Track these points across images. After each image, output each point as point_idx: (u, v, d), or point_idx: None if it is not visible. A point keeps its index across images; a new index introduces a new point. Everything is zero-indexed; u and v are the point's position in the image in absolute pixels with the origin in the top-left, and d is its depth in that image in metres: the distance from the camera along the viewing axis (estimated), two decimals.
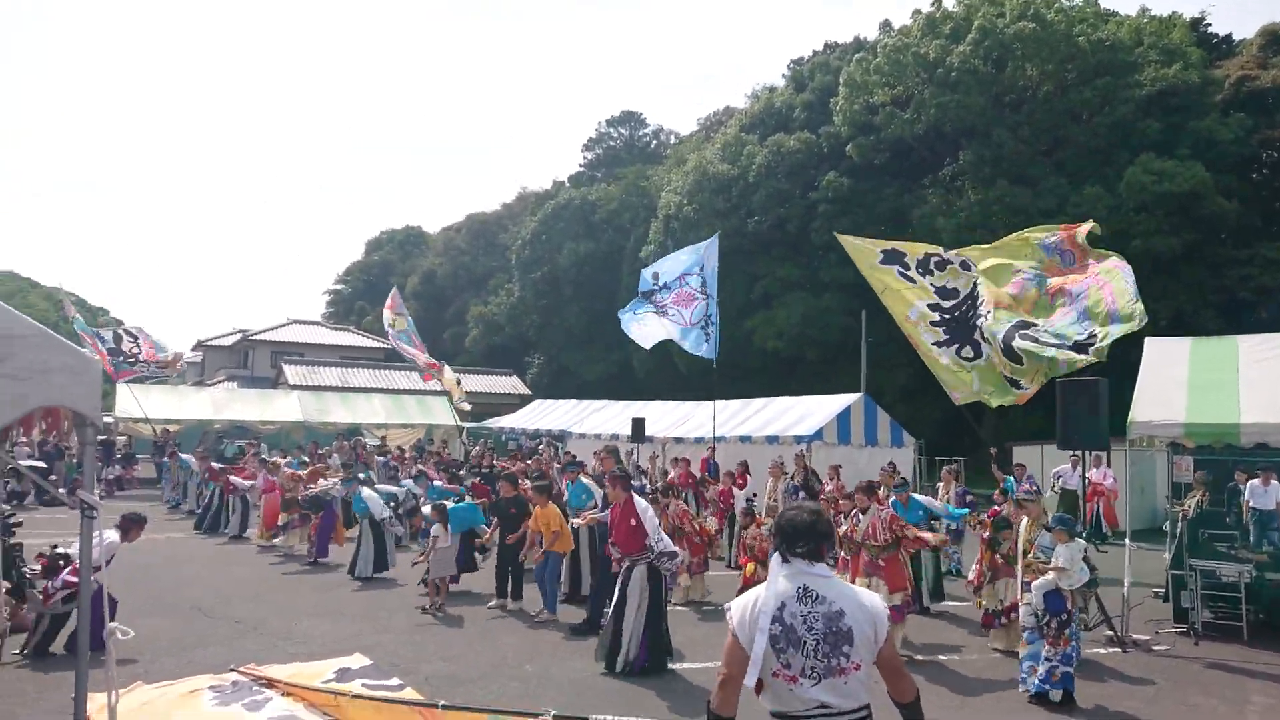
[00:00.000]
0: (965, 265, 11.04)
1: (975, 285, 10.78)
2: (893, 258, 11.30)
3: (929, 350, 10.78)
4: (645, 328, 16.46)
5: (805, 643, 2.97)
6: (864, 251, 11.52)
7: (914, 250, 11.38)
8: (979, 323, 10.44)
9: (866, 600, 3.10)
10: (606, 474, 8.73)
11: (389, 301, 23.64)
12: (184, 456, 20.03)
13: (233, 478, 16.09)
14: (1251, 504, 13.15)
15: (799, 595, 3.03)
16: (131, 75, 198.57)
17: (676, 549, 7.89)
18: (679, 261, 16.43)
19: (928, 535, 9.08)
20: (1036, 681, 6.90)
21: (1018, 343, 9.73)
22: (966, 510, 11.15)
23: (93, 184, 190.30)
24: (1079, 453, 15.61)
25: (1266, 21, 32.82)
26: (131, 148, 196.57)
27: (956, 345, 10.73)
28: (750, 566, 10.31)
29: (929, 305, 10.92)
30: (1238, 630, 9.22)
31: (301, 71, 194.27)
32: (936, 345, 10.75)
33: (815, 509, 3.29)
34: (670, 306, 15.94)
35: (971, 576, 9.13)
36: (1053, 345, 9.53)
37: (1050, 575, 7.16)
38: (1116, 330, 9.50)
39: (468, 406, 24.91)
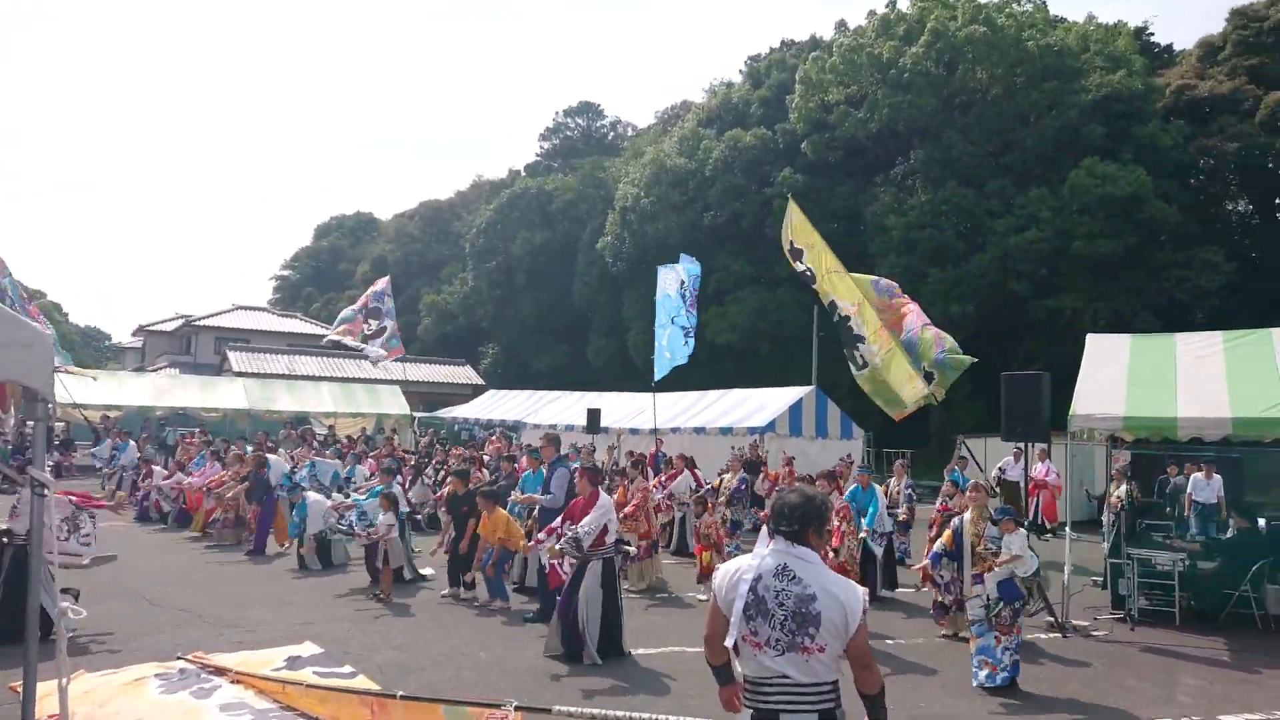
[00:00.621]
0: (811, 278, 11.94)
1: (832, 302, 11.71)
2: (795, 254, 12.04)
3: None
4: (672, 351, 15.94)
5: (774, 615, 3.10)
6: (800, 229, 12.18)
7: (815, 259, 12.00)
8: (859, 334, 11.26)
9: (842, 591, 3.16)
10: (578, 466, 8.76)
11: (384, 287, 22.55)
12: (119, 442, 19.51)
13: (186, 480, 15.53)
14: (1194, 497, 13.67)
15: (776, 571, 3.16)
16: (76, 53, 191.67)
17: (628, 541, 7.91)
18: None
19: (848, 532, 9.34)
20: (1004, 675, 7.04)
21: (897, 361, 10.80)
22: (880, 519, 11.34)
23: (33, 162, 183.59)
24: (1022, 445, 16.06)
25: (1204, 34, 33.90)
26: (74, 127, 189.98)
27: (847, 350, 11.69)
28: (706, 555, 10.42)
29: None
30: (1171, 616, 9.58)
31: (254, 54, 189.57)
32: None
33: (809, 494, 3.38)
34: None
35: (917, 567, 9.33)
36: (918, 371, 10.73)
37: (1006, 565, 7.30)
38: (950, 373, 10.85)
39: None
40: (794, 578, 3.15)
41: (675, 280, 15.57)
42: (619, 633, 7.79)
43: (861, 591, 3.23)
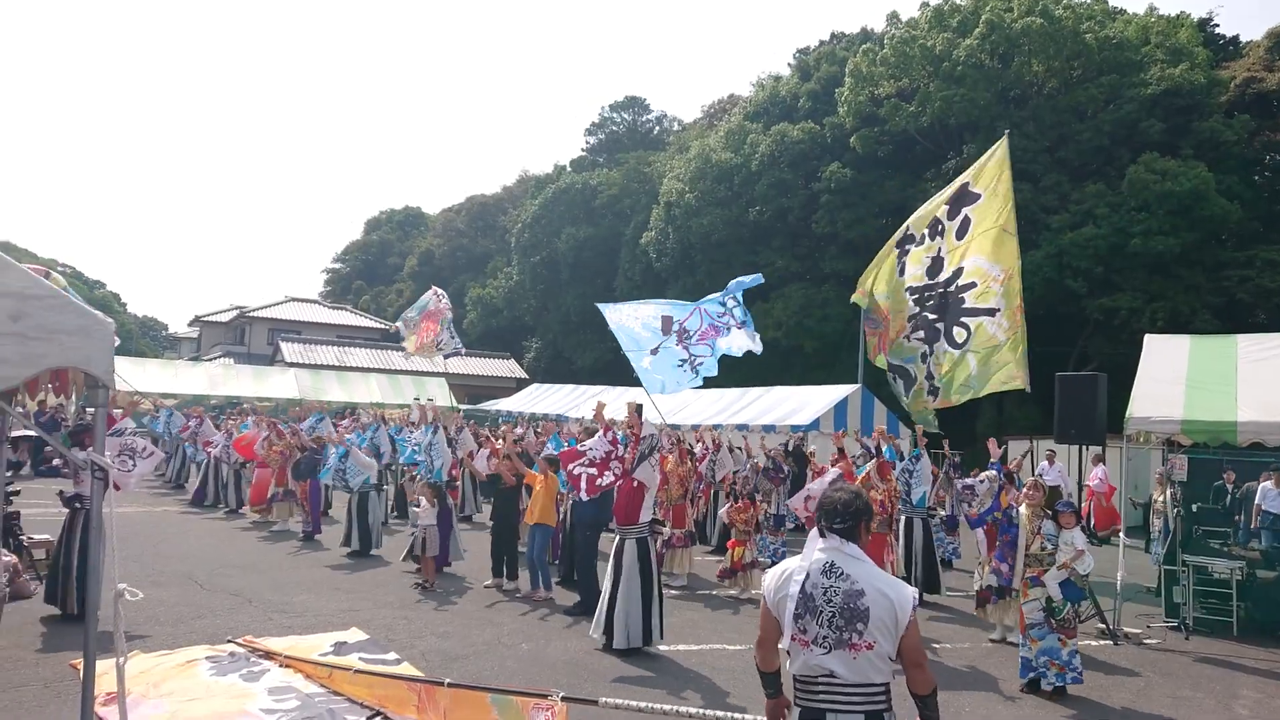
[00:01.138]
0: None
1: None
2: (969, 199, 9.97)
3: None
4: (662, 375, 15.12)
5: (822, 613, 3.11)
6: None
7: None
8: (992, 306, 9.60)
9: (892, 589, 3.16)
10: (633, 430, 8.61)
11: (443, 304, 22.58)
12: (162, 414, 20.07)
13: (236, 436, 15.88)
14: (1264, 507, 13.11)
15: (825, 569, 3.17)
16: (135, 51, 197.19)
17: (663, 521, 7.93)
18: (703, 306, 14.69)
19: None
20: (1072, 676, 6.93)
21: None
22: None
23: (95, 158, 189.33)
24: (1054, 449, 15.70)
25: (1274, 24, 32.76)
26: (133, 123, 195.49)
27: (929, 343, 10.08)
28: (739, 550, 10.39)
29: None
30: (1228, 626, 9.30)
31: (305, 50, 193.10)
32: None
33: (855, 490, 3.37)
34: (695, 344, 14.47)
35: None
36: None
37: (1064, 564, 7.11)
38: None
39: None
40: (842, 574, 3.15)
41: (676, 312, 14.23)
42: (658, 619, 7.77)
43: (911, 591, 3.21)
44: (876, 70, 33.19)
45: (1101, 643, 8.76)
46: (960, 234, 9.73)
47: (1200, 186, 26.46)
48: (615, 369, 41.02)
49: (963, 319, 9.51)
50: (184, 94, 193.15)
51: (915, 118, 31.94)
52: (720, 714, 4.50)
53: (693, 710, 4.55)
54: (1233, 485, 13.23)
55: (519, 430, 18.15)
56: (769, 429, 18.84)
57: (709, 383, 18.94)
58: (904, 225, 10.51)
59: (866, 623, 3.07)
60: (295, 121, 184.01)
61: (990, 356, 9.21)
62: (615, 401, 24.63)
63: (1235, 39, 35.48)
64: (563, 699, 4.46)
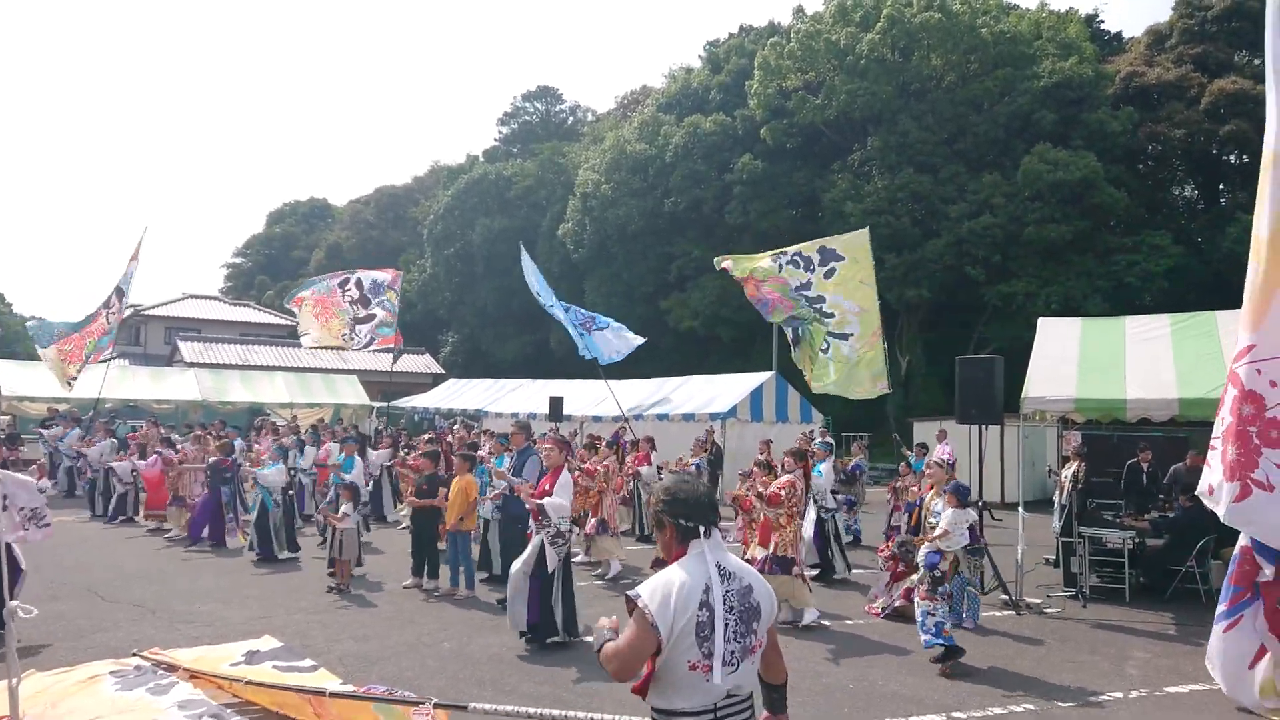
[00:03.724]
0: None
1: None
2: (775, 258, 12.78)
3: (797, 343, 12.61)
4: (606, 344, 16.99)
5: (727, 625, 2.64)
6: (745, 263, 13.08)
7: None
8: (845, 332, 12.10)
9: (757, 575, 2.87)
10: (546, 442, 8.76)
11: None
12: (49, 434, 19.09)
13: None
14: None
15: (720, 573, 2.70)
16: (21, 33, 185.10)
17: (568, 529, 7.84)
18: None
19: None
20: (925, 638, 7.22)
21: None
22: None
23: None
24: (945, 428, 16.33)
25: (1152, 22, 34.67)
26: (13, 108, 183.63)
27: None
28: None
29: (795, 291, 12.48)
30: (1121, 593, 9.87)
31: (204, 36, 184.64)
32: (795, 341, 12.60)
33: (690, 477, 3.10)
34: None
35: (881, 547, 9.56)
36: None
37: (932, 539, 7.63)
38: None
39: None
40: (731, 574, 2.73)
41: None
42: (562, 613, 7.78)
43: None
44: (784, 64, 33.78)
45: (1005, 613, 9.18)
46: (827, 276, 12.33)
47: (1090, 175, 27.85)
48: (535, 362, 40.78)
49: (827, 336, 12.17)
50: (65, 78, 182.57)
51: (821, 110, 32.64)
52: (588, 716, 4.66)
53: (558, 713, 4.67)
54: (1148, 465, 13.54)
55: (462, 433, 17.79)
56: (689, 417, 19.05)
57: (628, 374, 19.16)
58: (781, 249, 12.93)
59: (760, 619, 2.75)
60: (193, 109, 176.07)
61: (851, 371, 11.93)
62: (537, 395, 24.55)
63: (1119, 35, 37.43)
64: (435, 705, 4.58)
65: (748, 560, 8.49)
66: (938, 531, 7.62)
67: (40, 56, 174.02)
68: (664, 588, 2.67)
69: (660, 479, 13.11)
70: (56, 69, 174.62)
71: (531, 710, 4.77)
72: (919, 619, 7.31)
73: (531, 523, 7.93)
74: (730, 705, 2.70)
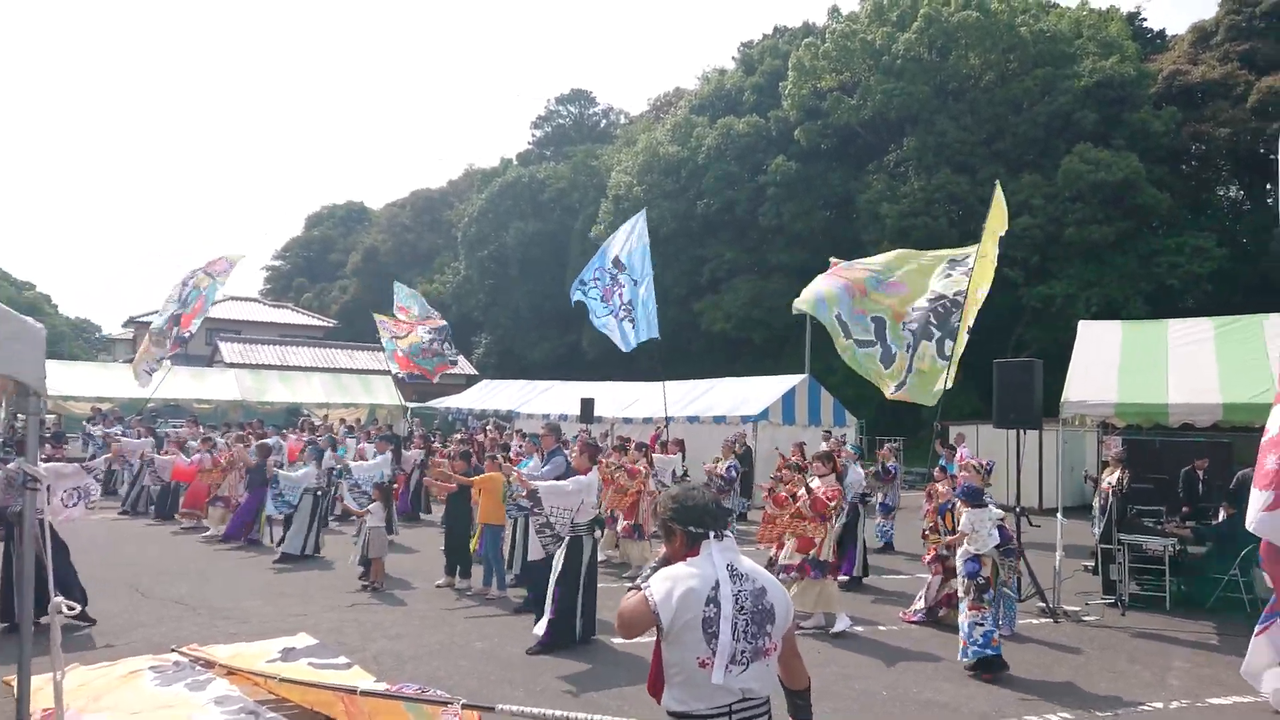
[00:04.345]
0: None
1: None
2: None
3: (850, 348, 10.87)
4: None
5: (736, 624, 2.70)
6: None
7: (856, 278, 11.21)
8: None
9: (772, 580, 2.90)
10: (580, 446, 8.72)
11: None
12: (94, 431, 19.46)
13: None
14: None
15: (732, 574, 2.78)
16: (66, 45, 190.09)
17: (564, 526, 7.80)
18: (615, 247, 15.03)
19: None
20: (974, 650, 7.10)
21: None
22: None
23: (19, 155, 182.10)
24: (963, 433, 16.06)
25: (1197, 19, 33.96)
26: (63, 119, 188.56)
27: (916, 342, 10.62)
28: None
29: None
30: (1161, 601, 9.66)
31: (247, 44, 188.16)
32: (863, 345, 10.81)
33: (697, 487, 3.11)
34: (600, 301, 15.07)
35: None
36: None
37: (962, 539, 7.51)
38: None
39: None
40: (743, 575, 2.79)
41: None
42: (580, 617, 7.79)
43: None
44: (819, 64, 33.58)
45: (1042, 620, 9.03)
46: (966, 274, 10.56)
47: (1131, 176, 27.32)
48: (567, 364, 40.90)
49: (949, 337, 10.30)
50: (115, 89, 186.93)
51: (857, 111, 32.39)
52: None
53: (584, 716, 4.69)
54: (1203, 472, 12.98)
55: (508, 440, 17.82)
56: (719, 420, 18.99)
57: (658, 375, 19.08)
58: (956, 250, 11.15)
59: (773, 622, 2.77)
60: (234, 115, 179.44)
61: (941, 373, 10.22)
62: (568, 396, 24.62)
63: (1162, 33, 36.69)
64: (464, 705, 4.64)
65: (782, 565, 8.46)
66: (956, 535, 7.56)
67: (91, 67, 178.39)
68: (669, 581, 2.77)
69: (674, 471, 13.18)
70: (103, 78, 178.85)
71: (559, 713, 4.79)
72: (965, 629, 7.16)
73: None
74: (745, 708, 2.75)
